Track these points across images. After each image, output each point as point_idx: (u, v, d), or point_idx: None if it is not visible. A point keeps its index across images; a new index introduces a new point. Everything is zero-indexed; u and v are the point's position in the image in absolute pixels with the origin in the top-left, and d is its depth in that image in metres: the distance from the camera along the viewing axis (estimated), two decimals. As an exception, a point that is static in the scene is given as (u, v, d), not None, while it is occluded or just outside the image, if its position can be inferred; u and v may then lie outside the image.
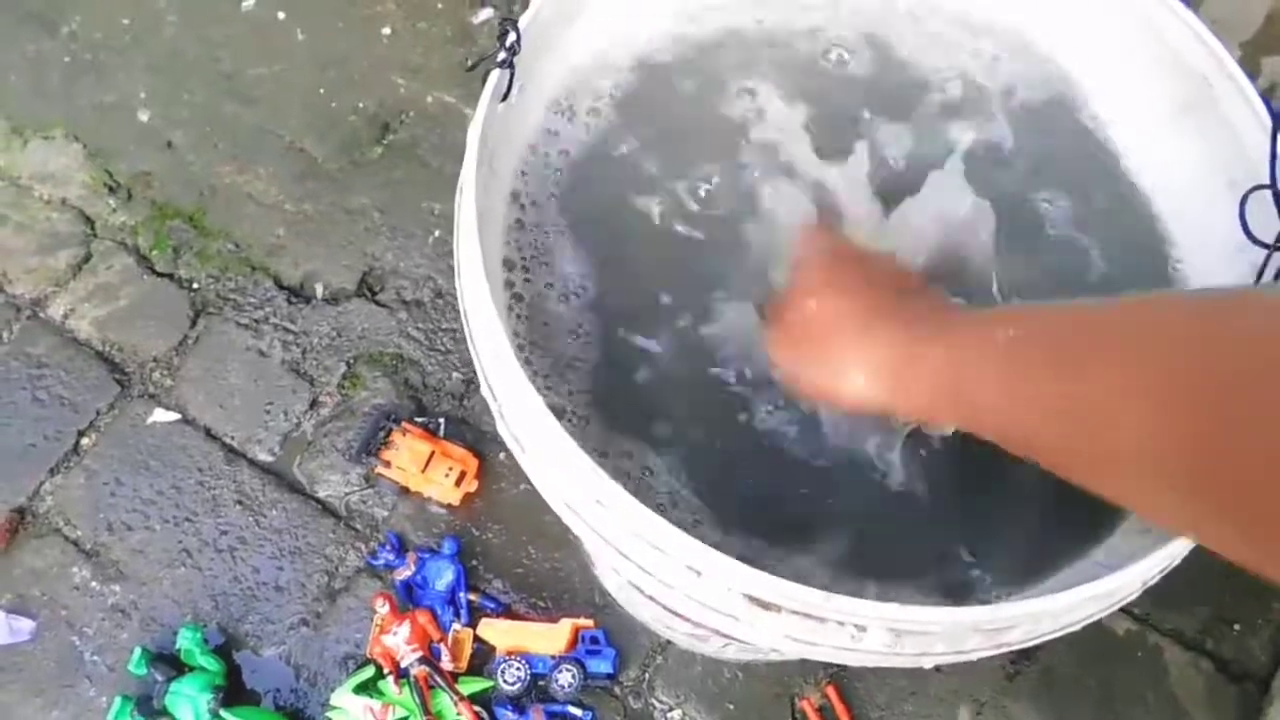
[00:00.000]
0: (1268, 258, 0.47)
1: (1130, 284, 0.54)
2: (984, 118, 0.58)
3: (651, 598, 0.49)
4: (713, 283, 0.53)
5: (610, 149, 0.56)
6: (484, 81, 0.50)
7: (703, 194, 0.55)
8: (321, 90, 1.10)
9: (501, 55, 0.49)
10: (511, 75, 0.50)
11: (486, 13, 1.14)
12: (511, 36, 0.50)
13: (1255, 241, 0.47)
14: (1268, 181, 0.47)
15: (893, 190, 0.55)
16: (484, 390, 0.48)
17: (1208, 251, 0.52)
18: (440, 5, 1.15)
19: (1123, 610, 0.89)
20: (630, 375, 0.51)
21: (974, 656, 0.44)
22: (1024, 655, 0.88)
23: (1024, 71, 0.60)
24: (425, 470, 0.89)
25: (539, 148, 0.56)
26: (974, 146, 0.57)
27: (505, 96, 0.50)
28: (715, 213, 0.55)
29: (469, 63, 1.08)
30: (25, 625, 0.88)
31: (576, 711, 0.83)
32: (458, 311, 0.99)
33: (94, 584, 0.89)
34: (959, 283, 0.51)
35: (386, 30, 1.14)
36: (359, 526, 0.92)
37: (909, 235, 0.52)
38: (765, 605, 0.42)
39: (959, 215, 0.54)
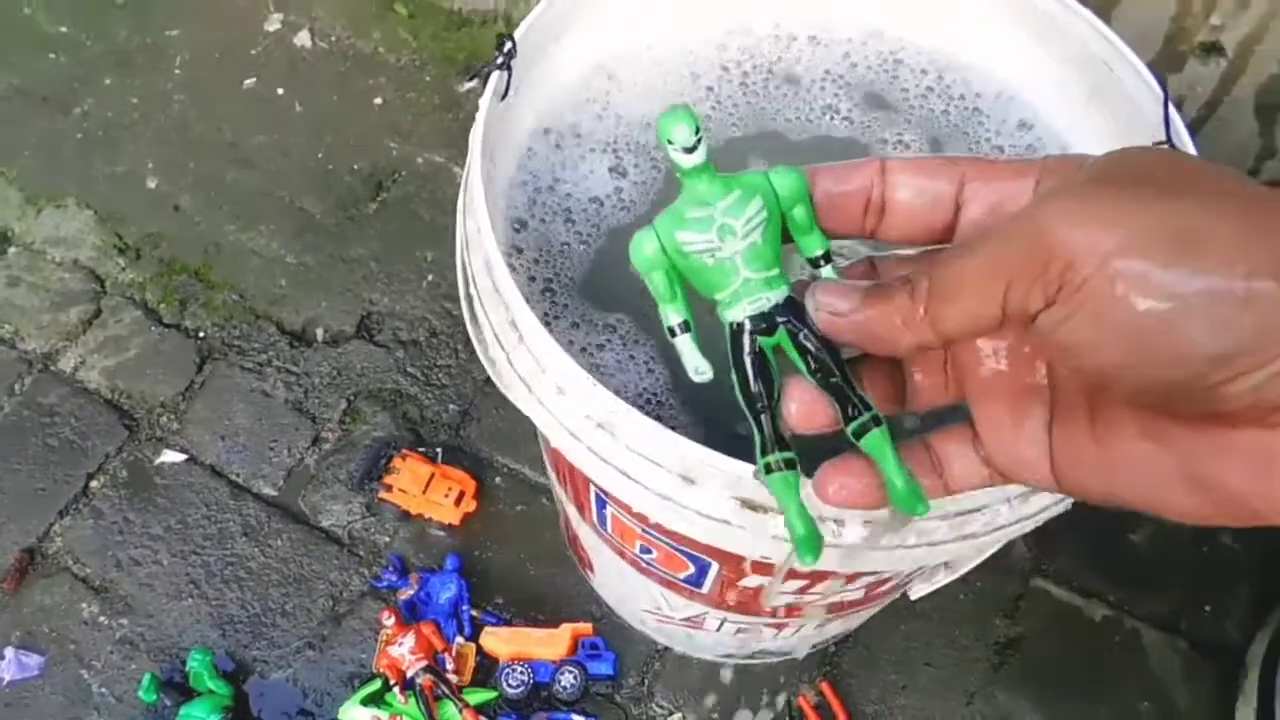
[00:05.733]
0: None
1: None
2: (923, 119, 0.66)
3: (642, 521, 0.53)
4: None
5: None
6: (484, 83, 0.57)
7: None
8: (319, 154, 1.18)
9: (499, 59, 0.57)
10: (509, 77, 0.57)
11: (471, 83, 1.23)
12: (508, 45, 0.57)
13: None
14: (1164, 139, 0.55)
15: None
16: (479, 318, 0.53)
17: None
18: (428, 78, 1.24)
19: (1098, 597, 0.93)
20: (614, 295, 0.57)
21: (943, 554, 0.48)
22: (1007, 647, 0.91)
23: (958, 80, 0.68)
24: (426, 491, 0.93)
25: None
26: (929, 146, 0.64)
27: (504, 96, 0.58)
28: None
29: (467, 79, 1.16)
30: (34, 660, 0.89)
31: (579, 719, 0.85)
32: (452, 349, 1.05)
33: (102, 618, 0.92)
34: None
35: (379, 100, 1.22)
36: (362, 552, 0.95)
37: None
38: (754, 508, 0.47)
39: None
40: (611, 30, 0.66)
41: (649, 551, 0.65)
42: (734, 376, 0.30)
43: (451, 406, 1.02)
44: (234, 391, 1.03)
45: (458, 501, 0.93)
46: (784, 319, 0.29)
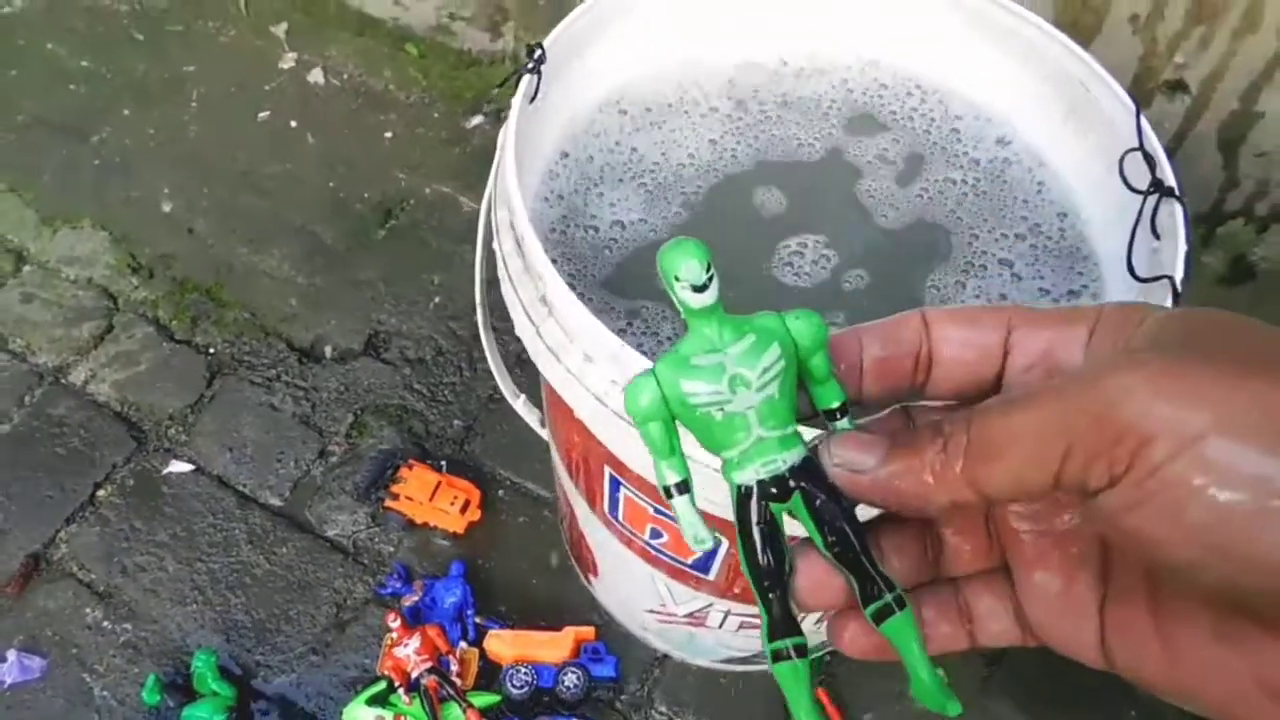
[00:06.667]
0: (1144, 201, 0.59)
1: (1048, 235, 0.65)
2: (911, 140, 0.71)
3: (656, 499, 0.56)
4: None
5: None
6: (516, 86, 0.62)
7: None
8: (330, 184, 1.22)
9: (530, 65, 0.61)
10: (539, 81, 0.62)
11: (477, 119, 1.29)
12: (539, 52, 0.62)
13: (1132, 189, 0.59)
14: (1137, 149, 0.60)
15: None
16: (509, 299, 0.56)
17: (1104, 210, 0.64)
18: (436, 114, 1.30)
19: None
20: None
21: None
22: (994, 660, 0.94)
23: (944, 107, 0.73)
24: (432, 499, 0.95)
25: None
26: (930, 172, 0.69)
27: (533, 99, 0.62)
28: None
29: (499, 81, 1.21)
30: (36, 663, 0.89)
31: (580, 723, 0.87)
32: (457, 367, 1.09)
33: (106, 623, 0.92)
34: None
35: (389, 135, 1.27)
36: (366, 561, 0.96)
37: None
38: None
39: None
40: (626, 61, 0.71)
41: (659, 535, 0.68)
42: (740, 548, 0.27)
43: (456, 422, 1.05)
44: (242, 405, 1.05)
45: (463, 510, 0.95)
46: (800, 483, 0.26)
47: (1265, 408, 0.20)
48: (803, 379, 0.27)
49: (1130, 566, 0.25)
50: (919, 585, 0.28)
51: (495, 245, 0.60)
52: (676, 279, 0.24)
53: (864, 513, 0.27)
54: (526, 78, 0.61)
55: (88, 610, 0.93)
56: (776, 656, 0.27)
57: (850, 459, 0.26)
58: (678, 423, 0.26)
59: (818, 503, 0.26)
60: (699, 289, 0.25)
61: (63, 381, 1.06)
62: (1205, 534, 0.20)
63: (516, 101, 0.61)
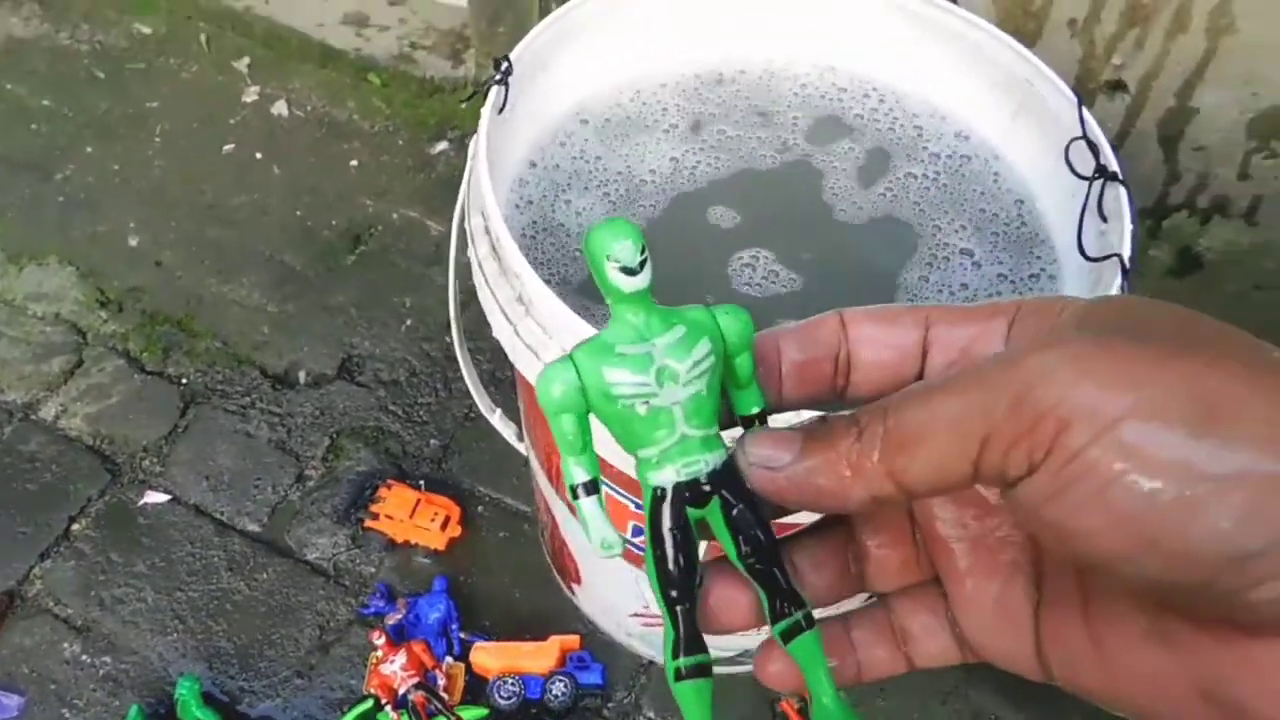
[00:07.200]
0: (1090, 186, 0.62)
1: (1006, 222, 0.68)
2: (873, 134, 0.74)
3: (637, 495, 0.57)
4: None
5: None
6: (485, 99, 0.64)
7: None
8: (298, 212, 1.23)
9: (498, 76, 0.63)
10: (506, 92, 0.64)
11: (442, 145, 1.31)
12: (506, 64, 0.64)
13: (1078, 176, 0.62)
14: (1081, 137, 0.64)
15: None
16: (485, 302, 0.57)
17: (1056, 198, 0.67)
18: (401, 142, 1.31)
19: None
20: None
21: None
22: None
23: (902, 108, 0.76)
24: (413, 516, 0.95)
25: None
26: (869, 156, 0.72)
27: (501, 109, 0.64)
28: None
29: (467, 97, 1.23)
30: (13, 701, 0.88)
31: (569, 732, 0.87)
32: (432, 388, 1.10)
33: (84, 657, 0.91)
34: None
35: (354, 163, 1.29)
36: (348, 582, 0.96)
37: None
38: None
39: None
40: (590, 73, 0.73)
41: (641, 533, 0.69)
42: (649, 553, 0.25)
43: (433, 441, 1.06)
44: (217, 433, 1.05)
45: (444, 526, 0.96)
46: (718, 488, 0.24)
47: (1190, 388, 0.19)
48: (726, 383, 0.25)
49: (1062, 571, 0.24)
50: (854, 611, 0.27)
51: (470, 252, 0.61)
52: (608, 258, 0.23)
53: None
54: (495, 89, 0.63)
55: (65, 645, 0.92)
56: (678, 675, 0.25)
57: (766, 455, 0.24)
58: (592, 417, 0.24)
59: (734, 510, 0.24)
60: (631, 271, 0.23)
61: (33, 417, 1.06)
62: (1129, 525, 0.19)
63: (486, 111, 0.62)
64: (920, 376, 0.25)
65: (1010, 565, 0.25)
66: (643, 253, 0.23)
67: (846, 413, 0.24)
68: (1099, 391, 0.19)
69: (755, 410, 0.25)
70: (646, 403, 0.23)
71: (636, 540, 0.70)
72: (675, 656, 0.25)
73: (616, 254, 0.23)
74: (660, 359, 0.23)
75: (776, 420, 0.25)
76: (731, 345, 0.24)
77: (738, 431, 0.25)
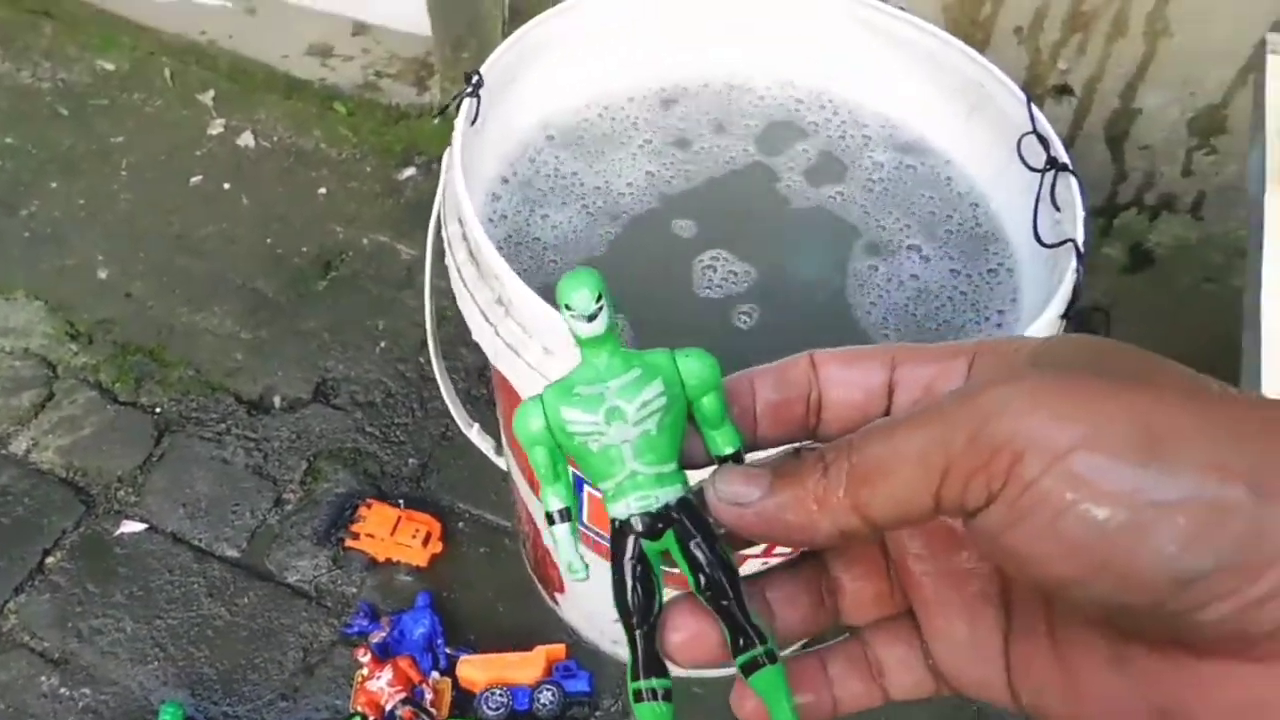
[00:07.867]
0: (1042, 177, 0.65)
1: (960, 222, 0.71)
2: (824, 140, 0.77)
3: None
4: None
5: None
6: (457, 110, 0.65)
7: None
8: (268, 240, 1.24)
9: (469, 89, 0.65)
10: (479, 105, 0.66)
11: (409, 171, 1.32)
12: (476, 77, 0.66)
13: (1030, 168, 0.65)
14: (1031, 132, 0.67)
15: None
16: (465, 306, 0.59)
17: (1009, 195, 0.70)
18: (368, 169, 1.33)
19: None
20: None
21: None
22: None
23: (854, 116, 0.79)
24: (394, 534, 0.96)
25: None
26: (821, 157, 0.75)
27: (474, 121, 0.66)
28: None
29: (439, 111, 1.24)
30: (-8, 738, 0.87)
31: (558, 742, 0.87)
32: (409, 408, 1.10)
33: (63, 689, 0.90)
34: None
35: (323, 190, 1.30)
36: (330, 603, 0.96)
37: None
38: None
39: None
40: (557, 88, 0.75)
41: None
42: (612, 580, 0.26)
43: (411, 460, 1.06)
44: (193, 461, 1.05)
45: (425, 543, 0.96)
46: (674, 522, 0.26)
47: (1137, 420, 0.20)
48: (698, 423, 0.26)
49: (1029, 601, 0.25)
50: (829, 645, 0.28)
51: (448, 259, 0.63)
52: (567, 308, 0.24)
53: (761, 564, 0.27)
54: (467, 102, 0.65)
55: (42, 678, 0.90)
56: (638, 696, 0.26)
57: (734, 492, 0.25)
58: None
59: (691, 544, 0.25)
60: (589, 318, 0.24)
61: (3, 452, 1.05)
62: (1081, 551, 0.20)
63: (459, 123, 0.64)
64: (888, 414, 0.26)
65: (979, 596, 0.26)
66: (598, 301, 0.24)
67: (814, 449, 0.25)
68: (1051, 423, 0.20)
69: (729, 451, 0.26)
70: (598, 440, 0.25)
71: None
72: (635, 678, 0.26)
73: (573, 302, 0.24)
74: (611, 400, 0.25)
75: (752, 457, 0.26)
76: (692, 388, 0.26)
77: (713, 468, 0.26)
